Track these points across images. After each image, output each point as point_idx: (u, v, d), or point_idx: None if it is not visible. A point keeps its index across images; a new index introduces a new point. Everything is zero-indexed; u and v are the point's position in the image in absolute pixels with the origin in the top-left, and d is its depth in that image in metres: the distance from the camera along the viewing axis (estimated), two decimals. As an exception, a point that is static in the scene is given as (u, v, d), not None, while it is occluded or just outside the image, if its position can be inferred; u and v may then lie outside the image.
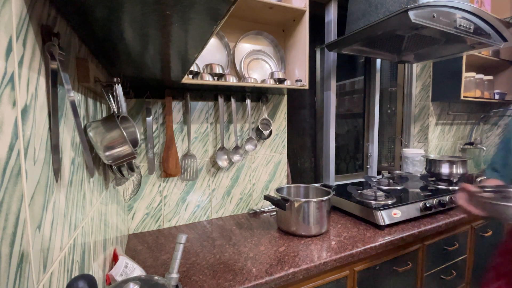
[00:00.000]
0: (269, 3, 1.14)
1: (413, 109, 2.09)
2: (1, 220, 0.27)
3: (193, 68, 1.08)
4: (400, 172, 1.88)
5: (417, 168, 1.88)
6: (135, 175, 0.90)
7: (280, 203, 1.11)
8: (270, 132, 1.40)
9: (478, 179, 1.55)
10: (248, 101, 1.32)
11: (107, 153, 0.55)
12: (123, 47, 0.58)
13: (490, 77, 2.09)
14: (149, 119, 1.17)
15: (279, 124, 1.50)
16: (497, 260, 0.92)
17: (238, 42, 1.28)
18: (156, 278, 0.55)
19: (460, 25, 1.11)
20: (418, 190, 1.47)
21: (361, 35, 1.24)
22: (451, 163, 1.65)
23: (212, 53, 1.24)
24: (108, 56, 0.67)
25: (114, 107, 0.66)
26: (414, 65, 2.03)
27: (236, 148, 1.33)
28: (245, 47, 1.32)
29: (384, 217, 1.15)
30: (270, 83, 1.24)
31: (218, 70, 1.13)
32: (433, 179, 1.70)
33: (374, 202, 1.24)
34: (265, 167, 1.47)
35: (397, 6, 1.08)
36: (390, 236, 1.08)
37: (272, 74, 1.28)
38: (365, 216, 1.22)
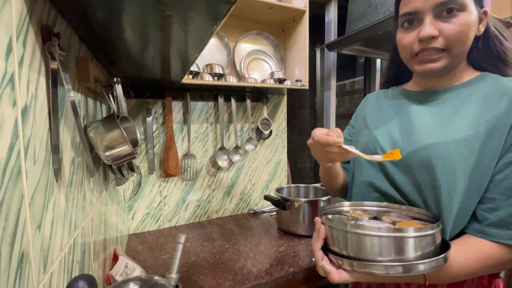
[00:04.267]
0: (269, 3, 1.14)
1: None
2: (1, 220, 0.27)
3: (193, 68, 1.08)
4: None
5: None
6: (135, 175, 0.90)
7: (280, 203, 1.10)
8: (270, 132, 1.40)
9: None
10: (248, 101, 1.32)
11: (107, 153, 0.55)
12: (123, 47, 0.58)
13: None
14: (149, 119, 1.16)
15: (279, 124, 1.50)
16: None
17: (238, 42, 1.28)
18: (156, 278, 0.55)
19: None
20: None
21: (361, 35, 1.24)
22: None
23: (212, 53, 1.24)
24: (108, 56, 0.67)
25: (114, 107, 0.66)
26: (414, 65, 2.02)
27: (236, 148, 1.33)
28: (245, 47, 1.32)
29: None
30: (270, 83, 1.24)
31: (218, 70, 1.13)
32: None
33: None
34: (265, 167, 1.47)
35: (397, 6, 1.08)
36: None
37: (272, 74, 1.28)
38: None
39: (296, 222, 1.09)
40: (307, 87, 1.27)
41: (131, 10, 0.39)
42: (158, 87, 1.16)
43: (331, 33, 1.58)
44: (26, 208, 0.32)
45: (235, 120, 1.30)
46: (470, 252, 0.50)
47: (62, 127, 0.44)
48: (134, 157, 0.59)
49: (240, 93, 1.33)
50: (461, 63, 0.58)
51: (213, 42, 1.24)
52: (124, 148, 0.56)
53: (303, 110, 1.77)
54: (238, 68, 1.28)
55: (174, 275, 0.67)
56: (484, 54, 0.57)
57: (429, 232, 0.45)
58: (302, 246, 1.02)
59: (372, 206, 0.60)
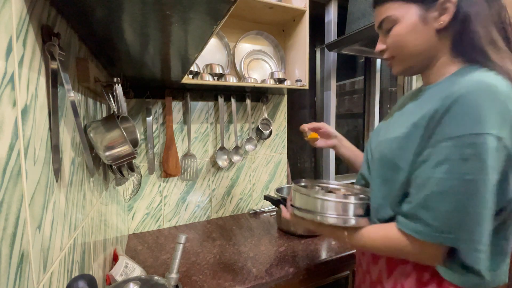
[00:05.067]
0: (269, 3, 1.14)
1: (413, 109, 2.08)
2: (1, 220, 0.27)
3: (193, 68, 1.08)
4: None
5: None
6: (135, 175, 0.90)
7: (280, 203, 1.10)
8: (270, 132, 1.40)
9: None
10: (248, 101, 1.32)
11: (107, 153, 0.55)
12: (123, 47, 0.58)
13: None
14: (149, 119, 1.16)
15: (279, 124, 1.50)
16: None
17: (238, 42, 1.28)
18: (156, 278, 0.55)
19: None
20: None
21: (361, 35, 1.24)
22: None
23: (212, 53, 1.24)
24: (108, 56, 0.67)
25: (114, 107, 0.66)
26: (414, 65, 2.02)
27: (236, 148, 1.33)
28: (245, 47, 1.32)
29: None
30: (270, 83, 1.24)
31: (218, 70, 1.13)
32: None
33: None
34: (265, 167, 1.47)
35: (397, 6, 1.08)
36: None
37: (272, 74, 1.28)
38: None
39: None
40: (307, 87, 1.27)
41: (131, 10, 0.39)
42: (158, 87, 1.16)
43: (331, 33, 1.58)
44: (26, 208, 0.32)
45: (235, 120, 1.30)
46: (381, 231, 0.59)
47: (62, 127, 0.44)
48: (134, 157, 0.59)
49: (240, 93, 1.33)
50: (433, 61, 0.58)
51: (213, 42, 1.24)
52: (124, 148, 0.56)
53: (303, 110, 1.77)
54: (238, 68, 1.28)
55: (174, 275, 0.67)
56: (466, 43, 0.55)
57: (346, 200, 0.61)
58: (302, 246, 1.02)
59: (334, 184, 0.77)
